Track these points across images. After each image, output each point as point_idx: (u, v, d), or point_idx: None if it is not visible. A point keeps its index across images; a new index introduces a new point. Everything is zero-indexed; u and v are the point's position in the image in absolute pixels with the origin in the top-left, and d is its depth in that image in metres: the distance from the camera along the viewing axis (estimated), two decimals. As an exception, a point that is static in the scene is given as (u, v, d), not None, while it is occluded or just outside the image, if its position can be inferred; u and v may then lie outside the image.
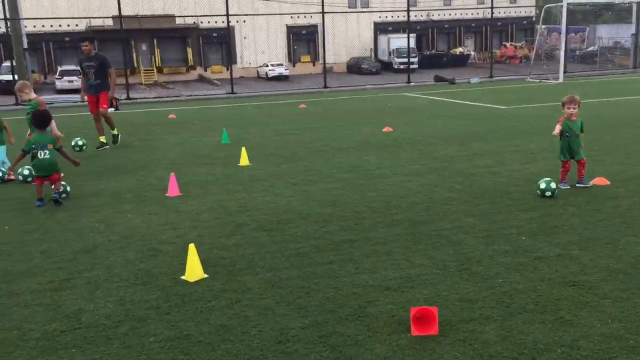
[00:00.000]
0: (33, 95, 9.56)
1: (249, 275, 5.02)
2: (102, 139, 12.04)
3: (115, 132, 12.34)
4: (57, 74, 36.45)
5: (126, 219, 6.89)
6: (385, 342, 3.81)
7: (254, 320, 4.18)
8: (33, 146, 7.70)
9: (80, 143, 11.74)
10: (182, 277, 5.00)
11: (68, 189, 8.02)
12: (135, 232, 6.35)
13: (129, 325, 4.17)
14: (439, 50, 53.20)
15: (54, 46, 43.69)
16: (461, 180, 8.21)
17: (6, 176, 8.97)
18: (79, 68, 13.61)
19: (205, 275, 5.01)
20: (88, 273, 5.21)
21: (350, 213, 6.79)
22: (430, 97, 22.47)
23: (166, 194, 7.94)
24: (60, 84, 35.14)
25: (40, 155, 7.68)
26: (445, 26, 54.39)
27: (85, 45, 11.66)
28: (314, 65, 50.45)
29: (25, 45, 27.10)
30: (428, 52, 51.41)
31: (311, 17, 46.59)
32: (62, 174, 8.13)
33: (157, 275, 5.10)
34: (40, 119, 7.97)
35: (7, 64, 34.53)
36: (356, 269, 5.08)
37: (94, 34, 43.45)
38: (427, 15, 52.13)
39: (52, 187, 7.72)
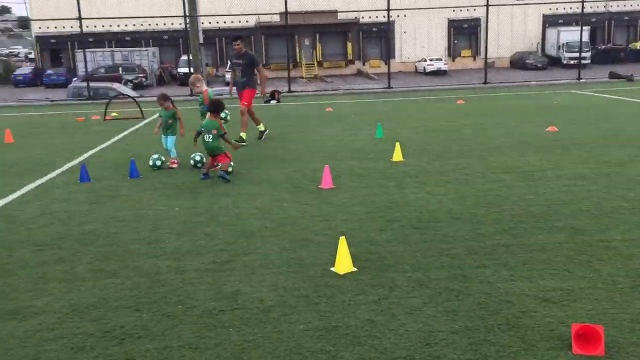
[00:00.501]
0: (204, 87, 10.28)
1: (397, 272, 4.98)
2: (261, 127, 12.59)
3: (243, 135, 12.12)
4: (228, 67, 39.01)
5: (282, 207, 7.18)
6: (542, 357, 3.57)
7: (401, 318, 4.14)
8: (202, 129, 8.84)
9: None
10: (332, 269, 5.09)
11: (230, 169, 8.90)
12: (289, 221, 6.59)
13: (280, 310, 4.34)
14: (616, 44, 48.88)
15: (226, 41, 46.75)
16: (635, 187, 7.47)
17: (168, 163, 9.76)
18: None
19: (354, 269, 5.06)
20: (246, 257, 5.50)
21: (506, 216, 6.47)
22: (604, 96, 20.72)
23: (320, 186, 8.15)
24: (229, 76, 37.55)
25: (206, 138, 8.78)
26: (625, 18, 49.83)
27: (237, 44, 12.11)
28: (474, 60, 48.88)
29: (201, 41, 29.27)
30: (602, 47, 47.48)
31: (474, 10, 45.10)
32: (230, 157, 8.99)
33: (309, 265, 5.25)
34: (215, 106, 9.04)
35: (184, 57, 37.65)
36: (511, 275, 4.83)
37: (261, 30, 45.85)
38: (605, 7, 48.08)
39: (219, 166, 8.74)
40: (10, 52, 69.50)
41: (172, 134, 9.94)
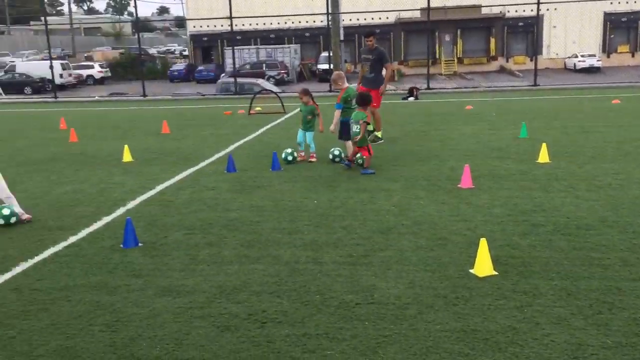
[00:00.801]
0: (346, 85, 10.41)
1: (543, 279, 4.73)
2: (377, 133, 12.34)
3: (378, 134, 11.98)
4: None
5: (419, 205, 7.10)
6: None
7: (546, 328, 3.93)
8: (351, 120, 9.17)
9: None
10: (471, 271, 4.95)
11: (360, 162, 9.20)
12: (426, 219, 6.51)
13: (416, 309, 4.31)
14: None
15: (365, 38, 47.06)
16: None
17: (297, 157, 10.02)
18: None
19: (495, 272, 4.88)
20: (382, 253, 5.52)
21: (668, 227, 5.90)
22: None
23: (458, 185, 7.95)
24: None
25: (354, 128, 9.10)
26: None
27: (369, 41, 12.00)
28: (632, 56, 45.05)
29: (342, 37, 29.73)
30: None
31: (634, 2, 41.56)
32: (372, 152, 9.26)
33: (446, 264, 5.15)
34: (363, 98, 9.29)
35: (324, 54, 38.45)
36: (673, 292, 4.40)
37: (401, 26, 45.61)
38: None
39: (359, 156, 9.22)
40: (167, 50, 75.19)
41: (311, 130, 10.19)
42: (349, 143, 9.67)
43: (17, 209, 6.92)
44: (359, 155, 9.22)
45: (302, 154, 10.17)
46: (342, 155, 9.77)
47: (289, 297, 4.60)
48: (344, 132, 9.69)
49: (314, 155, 10.13)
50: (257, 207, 7.26)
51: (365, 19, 44.58)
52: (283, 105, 18.40)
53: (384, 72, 11.89)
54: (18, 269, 5.43)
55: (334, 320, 4.19)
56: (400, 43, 47.19)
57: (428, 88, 26.45)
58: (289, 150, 9.97)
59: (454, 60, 45.39)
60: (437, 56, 45.40)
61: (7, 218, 6.73)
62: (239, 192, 8.06)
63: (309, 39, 48.60)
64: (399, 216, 6.68)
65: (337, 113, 9.71)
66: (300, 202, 7.46)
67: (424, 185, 8.11)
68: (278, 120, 16.40)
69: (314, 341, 3.91)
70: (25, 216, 6.95)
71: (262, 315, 4.32)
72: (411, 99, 22.17)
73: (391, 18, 45.04)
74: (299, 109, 10.54)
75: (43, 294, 4.85)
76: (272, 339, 3.96)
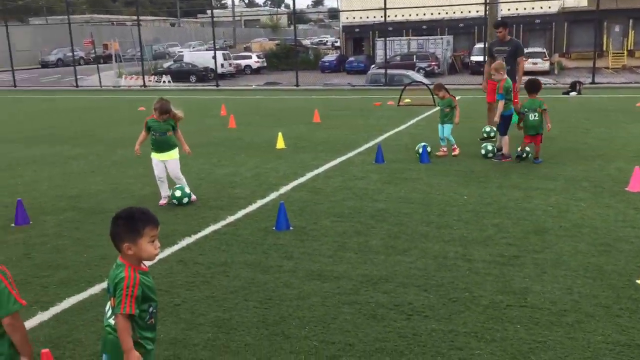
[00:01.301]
0: (505, 76, 9.94)
1: None
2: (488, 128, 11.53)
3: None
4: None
5: (579, 207, 6.65)
6: None
7: None
8: (526, 109, 9.04)
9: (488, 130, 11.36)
10: (638, 281, 4.55)
11: (524, 155, 9.12)
12: (587, 223, 6.07)
13: (574, 316, 4.04)
14: None
15: (523, 28, 44.85)
16: None
17: (439, 152, 9.76)
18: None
19: (667, 286, 4.44)
20: (536, 255, 5.25)
21: None
22: None
23: (626, 188, 7.32)
24: (485, 66, 35.92)
25: (530, 117, 8.96)
26: None
27: (499, 32, 11.24)
28: None
29: (498, 28, 28.50)
30: None
31: None
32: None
33: (609, 272, 4.78)
34: (534, 85, 9.21)
35: (478, 45, 37.19)
36: None
37: (565, 16, 42.80)
38: None
39: (525, 148, 9.11)
40: (319, 41, 77.15)
41: (449, 122, 9.91)
42: (506, 138, 9.29)
43: (187, 189, 7.46)
44: (522, 146, 9.11)
45: (444, 149, 9.94)
46: (495, 150, 9.41)
47: (436, 292, 4.54)
48: (503, 126, 9.30)
49: (456, 148, 9.86)
50: (405, 199, 7.23)
51: (525, 9, 42.43)
52: (433, 98, 18.08)
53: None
54: (183, 243, 5.90)
55: (483, 320, 4.06)
56: (563, 34, 44.30)
57: (593, 82, 24.57)
58: (423, 144, 9.66)
59: (623, 53, 41.72)
60: (604, 48, 42.01)
61: (179, 199, 7.23)
62: (387, 183, 8.08)
63: (463, 29, 47.26)
64: (557, 217, 6.30)
65: (501, 104, 9.26)
66: (450, 196, 7.31)
67: (586, 186, 7.57)
68: (427, 113, 16.16)
69: (461, 339, 3.82)
70: (193, 197, 7.49)
71: (408, 307, 4.31)
72: (573, 93, 20.74)
73: (554, 7, 42.43)
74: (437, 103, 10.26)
75: (204, 268, 5.22)
76: (418, 332, 3.93)
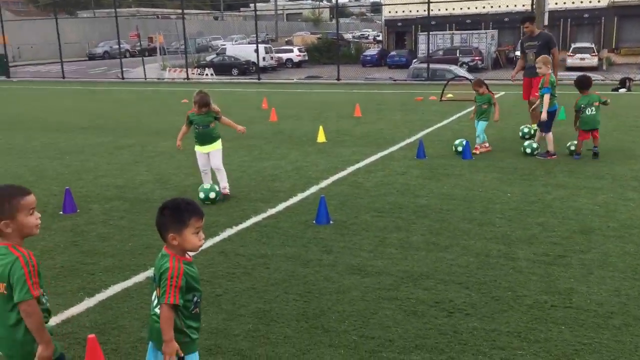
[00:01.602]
0: (549, 70, 9.68)
1: None
2: (534, 126, 11.00)
3: (534, 126, 10.71)
4: (570, 50, 36.45)
5: (628, 207, 6.46)
6: None
7: None
8: (582, 105, 8.83)
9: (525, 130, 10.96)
10: (690, 286, 4.40)
11: (572, 148, 9.08)
12: (637, 223, 5.90)
13: (622, 319, 3.93)
14: None
15: (571, 23, 43.73)
16: None
17: (476, 150, 9.54)
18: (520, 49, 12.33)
19: None
20: (582, 255, 5.12)
21: None
22: None
23: (678, 189, 7.07)
24: (571, 61, 35.11)
25: (587, 112, 8.82)
26: None
27: (527, 27, 10.90)
28: None
29: (546, 22, 27.88)
30: None
31: None
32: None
33: (659, 275, 4.63)
34: (584, 82, 9.07)
35: (524, 40, 36.36)
36: None
37: (614, 10, 41.53)
38: None
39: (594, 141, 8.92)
40: (361, 35, 76.79)
41: (485, 120, 9.71)
42: (550, 135, 9.09)
43: (224, 183, 7.37)
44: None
45: (487, 144, 9.76)
46: (539, 148, 9.20)
47: (478, 290, 4.47)
48: (547, 122, 9.08)
49: (486, 144, 9.67)
50: (447, 195, 7.15)
51: (573, 2, 41.37)
52: (476, 93, 17.80)
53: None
54: (224, 235, 5.97)
55: (526, 320, 3.99)
56: (612, 29, 43.00)
57: (643, 78, 23.77)
58: (457, 142, 9.53)
59: (676, 48, 40.23)
60: (657, 43, 40.61)
61: (207, 192, 7.01)
62: (428, 179, 8.00)
63: (508, 24, 46.31)
64: (604, 217, 6.14)
65: (547, 98, 9.02)
66: (493, 193, 7.19)
67: (635, 185, 7.35)
68: (470, 108, 15.90)
69: (503, 338, 3.76)
70: (226, 191, 7.38)
71: (449, 304, 4.26)
72: (623, 90, 20.12)
73: (603, 1, 41.21)
74: (474, 99, 10.04)
75: (245, 259, 5.27)
76: (459, 330, 3.89)
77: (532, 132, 10.41)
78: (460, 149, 9.48)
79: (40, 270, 2.66)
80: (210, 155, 7.33)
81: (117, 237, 5.97)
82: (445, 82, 19.95)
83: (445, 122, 13.51)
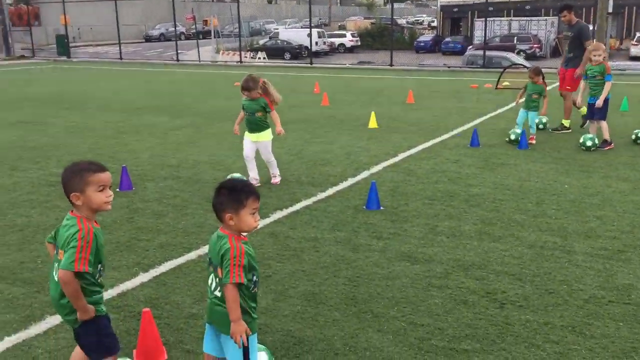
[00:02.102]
0: (605, 55, 9.28)
1: None
2: (565, 122, 10.53)
3: (565, 122, 10.48)
4: (635, 39, 34.97)
5: (694, 203, 6.17)
6: None
7: None
8: None
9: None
10: None
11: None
12: (703, 221, 5.63)
13: (685, 319, 3.77)
14: None
15: (636, 10, 41.94)
16: None
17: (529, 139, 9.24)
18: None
19: None
20: (644, 251, 4.93)
21: None
22: None
23: None
24: (635, 50, 33.72)
25: None
26: None
27: (564, 16, 10.39)
28: None
29: (610, 10, 26.82)
30: None
31: None
32: None
33: None
34: None
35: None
36: None
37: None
38: None
39: None
40: (415, 20, 75.66)
41: (534, 110, 9.39)
42: (604, 123, 8.77)
43: (274, 170, 7.17)
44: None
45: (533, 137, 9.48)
46: (597, 141, 8.86)
47: (531, 282, 4.37)
48: (604, 110, 8.74)
49: (534, 137, 9.34)
50: (500, 185, 7.00)
51: (640, -11, 39.60)
52: (534, 81, 17.31)
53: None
54: (275, 217, 6.01)
55: (582, 315, 3.87)
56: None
57: None
58: (515, 130, 9.34)
59: None
60: None
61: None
62: (482, 168, 7.85)
63: (569, 10, 44.71)
64: (667, 212, 5.89)
65: (608, 85, 8.65)
66: (549, 184, 6.99)
67: (702, 181, 7.02)
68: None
69: (557, 332, 3.67)
70: (275, 180, 7.17)
71: (501, 295, 4.18)
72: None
73: (673, -13, 39.36)
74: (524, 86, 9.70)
75: (294, 242, 5.30)
76: (511, 322, 3.81)
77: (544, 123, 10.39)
78: (512, 137, 9.25)
79: (99, 247, 2.76)
80: (258, 147, 7.09)
81: (171, 215, 6.10)
82: (502, 69, 19.47)
83: (500, 110, 13.21)
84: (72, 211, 2.81)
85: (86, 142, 10.03)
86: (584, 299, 4.08)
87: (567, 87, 10.54)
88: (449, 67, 27.93)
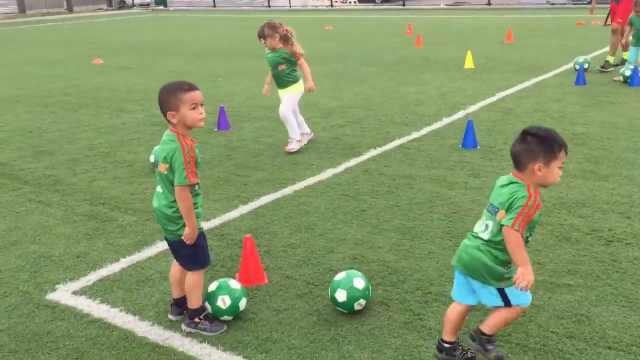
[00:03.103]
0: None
1: None
2: (610, 58, 9.71)
3: (610, 58, 9.71)
4: None
5: None
6: None
7: None
8: None
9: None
10: None
11: None
12: None
13: None
14: None
15: None
16: None
17: None
18: None
19: None
20: None
21: None
22: None
23: None
24: None
25: None
26: None
27: None
28: None
29: None
30: None
31: None
32: None
33: None
34: None
35: None
36: None
37: None
38: None
39: None
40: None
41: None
42: None
43: (293, 132, 6.15)
44: None
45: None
46: None
47: (641, 220, 4.14)
48: None
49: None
50: (608, 124, 6.60)
51: None
52: (648, 16, 15.92)
53: None
54: (368, 155, 6.00)
55: (697, 255, 3.64)
56: None
57: None
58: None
59: None
60: None
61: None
62: (588, 106, 7.41)
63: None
64: None
65: None
66: (663, 123, 6.52)
67: None
68: None
69: (670, 271, 3.48)
70: (290, 147, 6.15)
71: (607, 233, 3.99)
72: None
73: None
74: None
75: (388, 179, 5.29)
76: (618, 259, 3.64)
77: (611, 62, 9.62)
78: (627, 73, 8.63)
79: (199, 161, 2.91)
80: (282, 102, 6.22)
81: (267, 153, 6.24)
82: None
83: (606, 48, 12.30)
84: (171, 128, 2.94)
85: (185, 85, 10.36)
86: (700, 239, 3.82)
87: (619, 20, 9.80)
88: (552, 4, 26.24)
